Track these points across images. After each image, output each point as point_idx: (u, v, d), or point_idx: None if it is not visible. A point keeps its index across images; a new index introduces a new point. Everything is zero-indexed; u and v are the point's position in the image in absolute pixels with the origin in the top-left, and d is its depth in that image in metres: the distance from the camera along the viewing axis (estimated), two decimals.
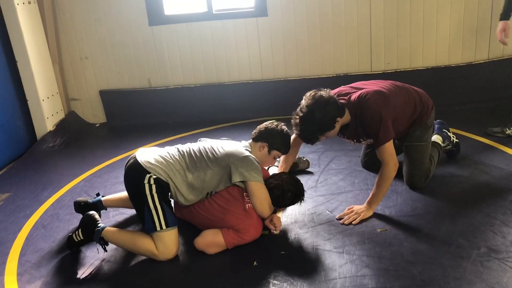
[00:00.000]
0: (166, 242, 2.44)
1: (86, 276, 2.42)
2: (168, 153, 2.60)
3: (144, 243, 2.46)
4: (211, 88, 4.93)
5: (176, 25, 4.79)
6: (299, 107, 2.72)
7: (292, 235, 2.63)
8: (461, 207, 2.76)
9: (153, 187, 2.44)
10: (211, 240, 2.49)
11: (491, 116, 4.26)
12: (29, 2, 4.41)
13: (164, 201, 2.47)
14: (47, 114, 4.61)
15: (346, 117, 2.81)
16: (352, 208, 2.79)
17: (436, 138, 3.31)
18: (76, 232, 2.59)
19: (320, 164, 3.53)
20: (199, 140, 2.80)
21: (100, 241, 2.51)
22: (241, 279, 2.30)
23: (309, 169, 3.44)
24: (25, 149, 4.45)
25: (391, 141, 2.75)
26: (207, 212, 2.58)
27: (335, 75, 4.74)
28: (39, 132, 4.61)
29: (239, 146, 2.67)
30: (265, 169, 2.85)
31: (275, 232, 2.63)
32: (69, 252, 2.64)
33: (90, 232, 2.55)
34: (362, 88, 2.84)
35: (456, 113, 4.41)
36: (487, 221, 2.59)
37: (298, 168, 3.42)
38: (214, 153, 2.58)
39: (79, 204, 2.86)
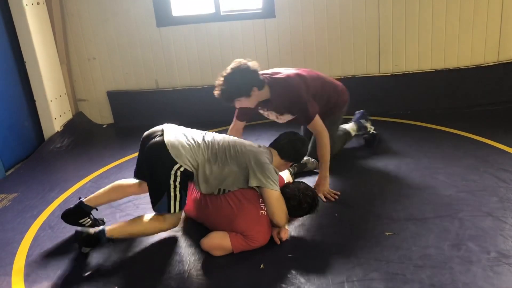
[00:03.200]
0: (174, 216, 2.58)
1: (93, 277, 2.42)
2: (193, 139, 2.60)
3: (150, 226, 2.57)
4: None
5: (184, 26, 4.79)
6: (224, 70, 2.93)
7: (299, 238, 2.62)
8: (470, 211, 2.74)
9: (178, 178, 2.50)
10: (218, 243, 2.49)
11: (501, 119, 4.22)
12: (38, 3, 4.43)
13: (184, 189, 2.55)
14: (54, 114, 4.63)
15: (266, 93, 3.01)
16: (319, 188, 3.02)
17: (350, 127, 3.69)
18: (82, 249, 2.57)
19: None
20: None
21: (109, 241, 2.55)
22: (248, 282, 2.29)
23: (316, 170, 3.41)
24: (32, 150, 4.47)
25: (318, 114, 3.03)
26: (218, 210, 2.57)
27: (343, 77, 4.71)
28: (47, 133, 4.63)
29: (261, 151, 2.65)
30: (281, 176, 2.85)
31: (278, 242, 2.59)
32: (76, 253, 2.63)
33: (96, 245, 2.55)
34: (283, 72, 3.11)
35: (465, 115, 4.37)
36: (497, 225, 2.56)
37: (306, 169, 3.41)
38: (237, 151, 2.59)
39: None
